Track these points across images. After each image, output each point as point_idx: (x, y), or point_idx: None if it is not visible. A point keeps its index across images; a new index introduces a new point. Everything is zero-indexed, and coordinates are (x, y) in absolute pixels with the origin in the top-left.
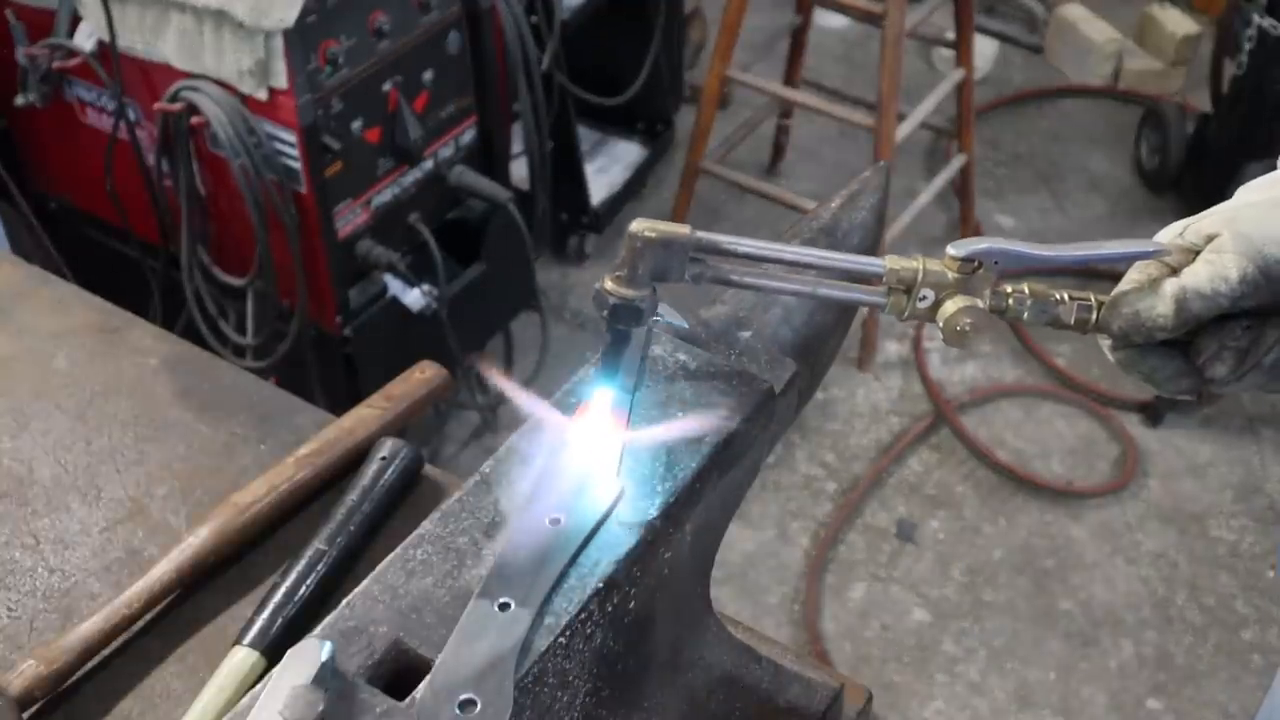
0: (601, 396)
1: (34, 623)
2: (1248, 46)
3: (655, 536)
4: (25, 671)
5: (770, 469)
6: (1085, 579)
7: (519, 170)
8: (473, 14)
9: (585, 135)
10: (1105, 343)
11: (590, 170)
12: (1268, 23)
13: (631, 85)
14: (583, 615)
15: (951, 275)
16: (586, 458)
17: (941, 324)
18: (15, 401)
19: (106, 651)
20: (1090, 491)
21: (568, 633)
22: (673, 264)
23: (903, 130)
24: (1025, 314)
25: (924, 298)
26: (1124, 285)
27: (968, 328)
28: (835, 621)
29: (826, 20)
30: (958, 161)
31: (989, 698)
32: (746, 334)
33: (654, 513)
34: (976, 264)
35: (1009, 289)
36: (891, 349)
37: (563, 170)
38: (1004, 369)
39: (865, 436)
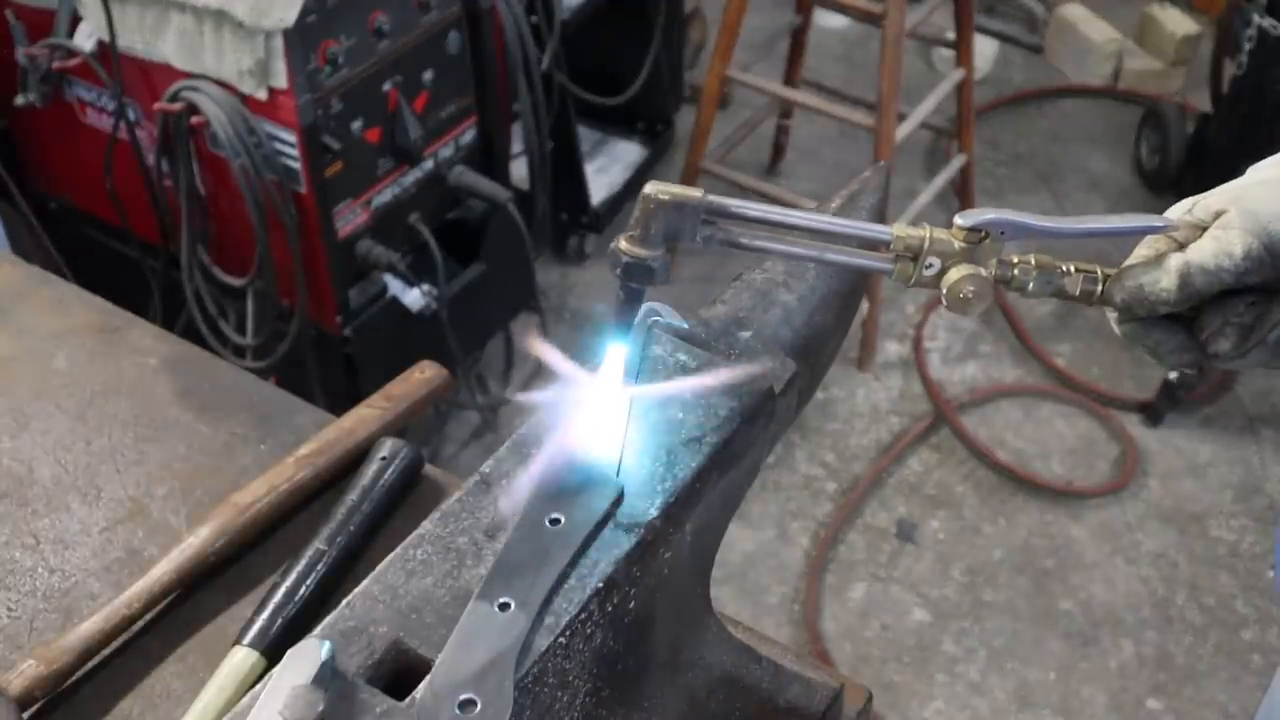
0: (614, 353)
1: (34, 623)
2: (1248, 46)
3: (655, 536)
4: (25, 671)
5: (770, 469)
6: (1085, 579)
7: (519, 170)
8: (473, 14)
9: (585, 135)
10: (1111, 316)
11: (590, 170)
12: (1268, 23)
13: (631, 85)
14: (583, 615)
15: (958, 244)
16: (586, 458)
17: (945, 291)
18: (15, 401)
19: (106, 651)
20: (1090, 491)
21: (568, 633)
22: (685, 226)
23: (903, 130)
24: (1030, 284)
25: (930, 266)
26: (1130, 259)
27: (971, 295)
28: (835, 621)
29: (826, 20)
30: (958, 161)
31: (989, 698)
32: (746, 334)
33: (654, 513)
34: (983, 234)
35: (1015, 259)
36: (891, 349)
37: (563, 170)
38: (1004, 369)
39: (865, 436)
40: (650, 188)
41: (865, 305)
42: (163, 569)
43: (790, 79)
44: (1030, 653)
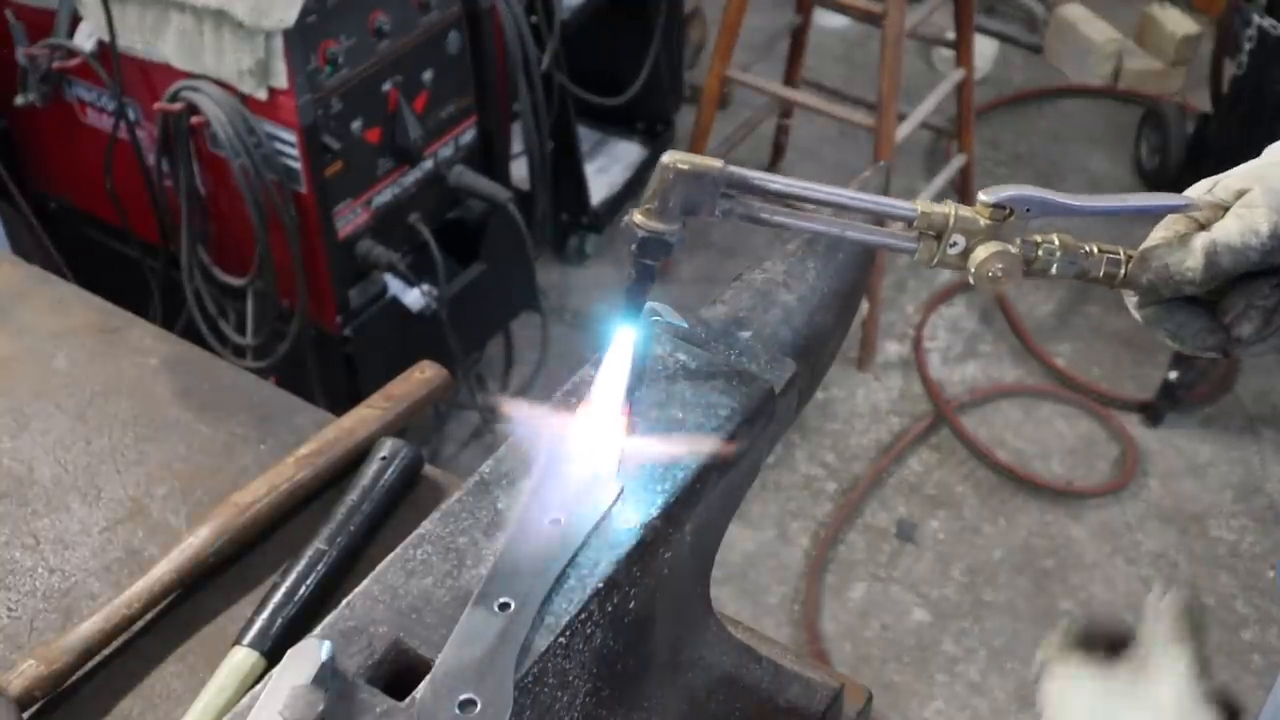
0: (623, 335)
1: (34, 623)
2: (1248, 46)
3: (655, 536)
4: (25, 671)
5: (770, 469)
6: (1085, 579)
7: (519, 170)
8: (473, 14)
9: (585, 135)
10: (1131, 300)
11: (590, 170)
12: (1268, 23)
13: (631, 85)
14: (583, 615)
15: (983, 222)
16: (586, 458)
17: (973, 270)
18: (15, 401)
19: (106, 651)
20: (1090, 491)
21: (568, 633)
22: (704, 198)
23: (903, 130)
24: (1054, 265)
25: (954, 244)
26: (1152, 240)
27: (1000, 273)
28: (835, 621)
29: (826, 20)
30: (958, 161)
31: (989, 698)
32: (746, 334)
33: (654, 513)
34: (1008, 211)
35: (1039, 239)
36: (891, 349)
37: (563, 170)
38: (1004, 369)
39: (865, 436)
40: (668, 157)
41: (865, 305)
42: (163, 569)
43: (790, 79)
44: (1030, 653)
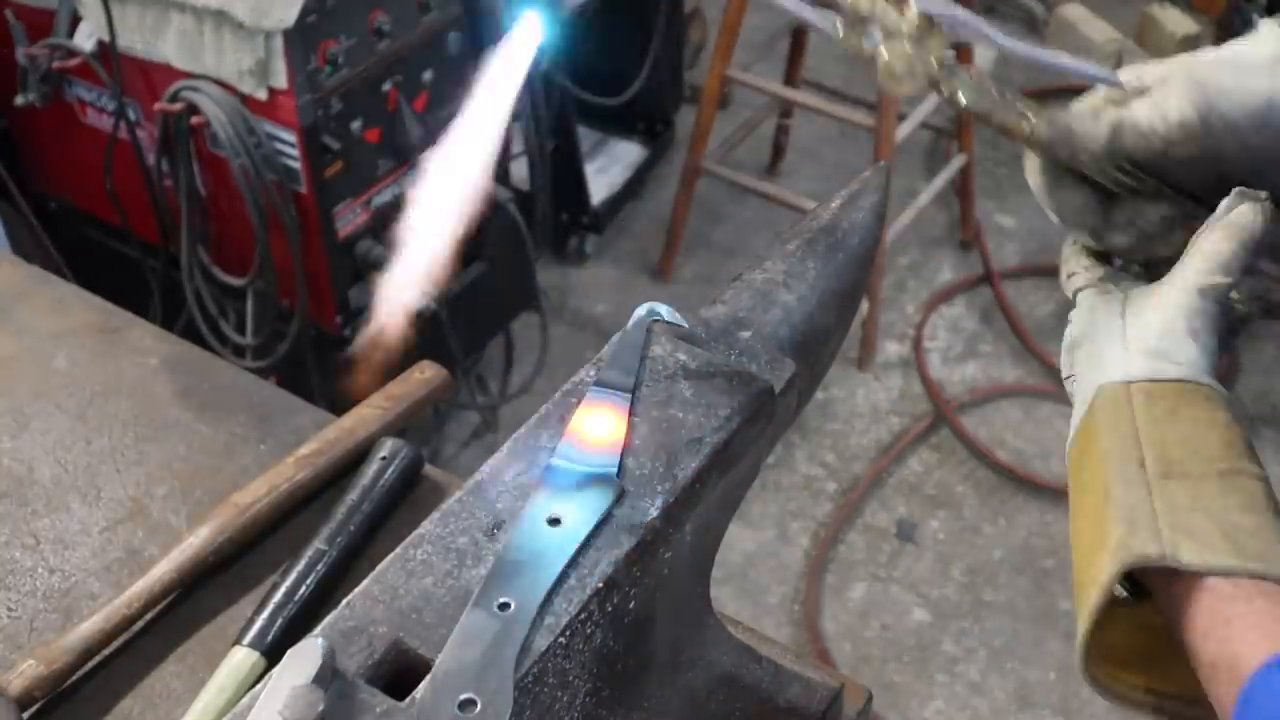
0: (527, 21)
1: (34, 623)
2: None
3: (655, 536)
4: (25, 671)
5: (770, 469)
6: None
7: (519, 170)
8: (473, 14)
9: (585, 135)
10: (1031, 165)
11: (590, 170)
12: None
13: (631, 85)
14: (583, 615)
15: (905, 27)
16: (586, 458)
17: (878, 64)
18: (15, 401)
19: (106, 651)
20: None
21: (568, 633)
22: None
23: (903, 130)
24: (961, 92)
25: (871, 37)
26: (1069, 109)
27: (901, 74)
28: (835, 621)
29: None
30: (958, 161)
31: (989, 698)
32: (746, 334)
33: (654, 513)
34: (932, 22)
35: (955, 65)
36: (891, 349)
37: (563, 170)
38: (1004, 369)
39: (865, 436)
40: None
41: (865, 305)
42: (163, 569)
43: (790, 79)
44: (1030, 653)
